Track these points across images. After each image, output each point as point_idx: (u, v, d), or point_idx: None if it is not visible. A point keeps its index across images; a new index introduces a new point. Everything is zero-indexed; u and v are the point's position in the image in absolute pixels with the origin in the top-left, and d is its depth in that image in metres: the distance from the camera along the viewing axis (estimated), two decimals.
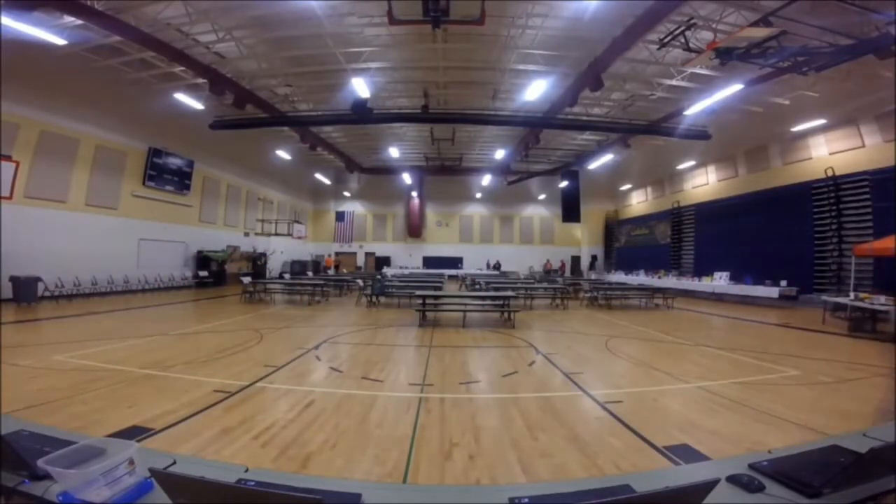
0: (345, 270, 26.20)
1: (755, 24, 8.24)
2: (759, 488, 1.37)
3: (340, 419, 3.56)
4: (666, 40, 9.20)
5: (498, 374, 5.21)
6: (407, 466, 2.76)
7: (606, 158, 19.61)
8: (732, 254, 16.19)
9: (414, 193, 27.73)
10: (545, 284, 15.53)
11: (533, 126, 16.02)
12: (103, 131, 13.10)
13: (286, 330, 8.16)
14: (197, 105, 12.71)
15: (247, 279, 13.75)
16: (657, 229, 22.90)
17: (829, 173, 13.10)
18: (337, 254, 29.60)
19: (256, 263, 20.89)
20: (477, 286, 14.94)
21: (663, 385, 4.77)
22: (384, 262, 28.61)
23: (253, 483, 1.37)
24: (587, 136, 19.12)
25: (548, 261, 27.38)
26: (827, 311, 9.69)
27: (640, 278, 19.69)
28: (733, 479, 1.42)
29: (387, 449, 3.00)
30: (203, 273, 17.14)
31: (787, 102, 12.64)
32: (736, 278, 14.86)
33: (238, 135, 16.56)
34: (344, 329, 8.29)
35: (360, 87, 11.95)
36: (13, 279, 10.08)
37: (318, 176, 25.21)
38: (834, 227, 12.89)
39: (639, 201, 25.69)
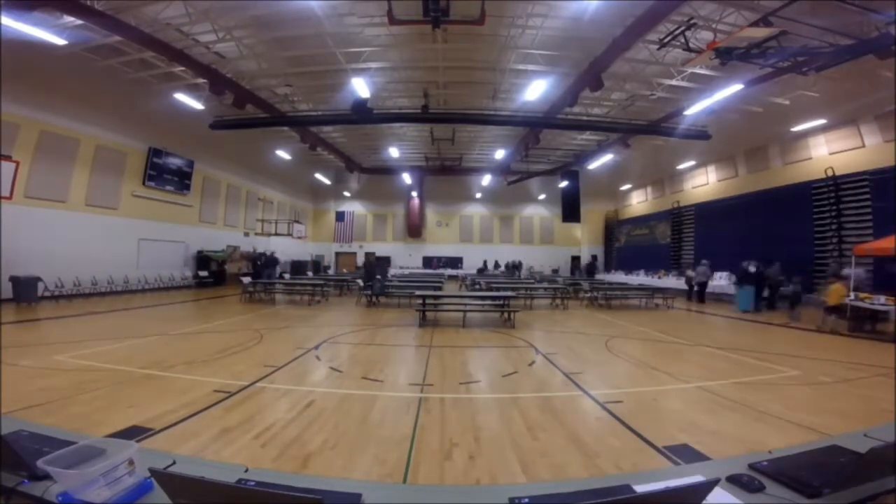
0: (345, 270, 26.19)
1: (755, 24, 8.25)
2: (759, 488, 1.37)
3: (340, 419, 3.56)
4: (666, 40, 9.20)
5: (498, 374, 5.21)
6: (407, 466, 2.76)
7: (606, 158, 19.60)
8: (732, 254, 16.16)
9: (414, 193, 27.71)
10: (545, 284, 15.53)
11: (533, 126, 16.01)
12: (103, 131, 13.10)
13: (286, 330, 8.16)
14: (197, 105, 12.71)
15: (247, 279, 13.75)
16: (657, 229, 22.89)
17: (829, 173, 13.09)
18: (337, 254, 29.60)
19: (256, 264, 20.88)
20: (477, 286, 14.94)
21: (663, 385, 4.77)
22: (384, 262, 28.60)
23: (253, 483, 1.37)
24: (587, 136, 19.10)
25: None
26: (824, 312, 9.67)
27: (640, 278, 19.68)
28: (733, 479, 1.42)
29: (387, 449, 3.00)
30: (203, 273, 17.14)
31: (787, 102, 12.63)
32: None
33: (238, 135, 16.54)
34: (344, 329, 8.29)
35: (360, 87, 11.94)
36: (13, 279, 10.08)
37: (318, 176, 25.20)
38: (834, 227, 12.88)
39: (639, 201, 25.68)
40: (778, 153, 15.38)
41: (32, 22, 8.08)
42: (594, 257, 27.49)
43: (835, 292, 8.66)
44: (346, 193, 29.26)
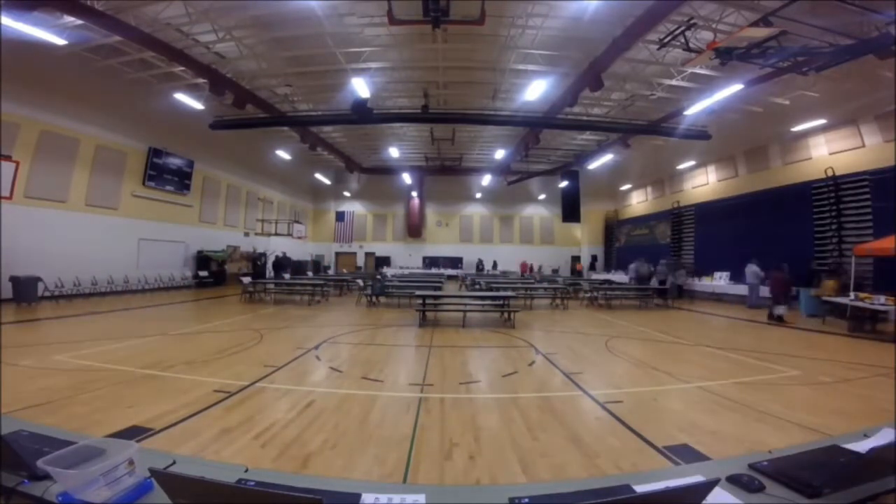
0: (345, 270, 26.21)
1: (755, 24, 8.24)
2: (759, 488, 1.37)
3: (340, 419, 3.56)
4: (666, 40, 9.19)
5: (498, 374, 5.21)
6: (407, 466, 2.76)
7: (606, 158, 19.60)
8: (732, 254, 16.16)
9: (414, 193, 27.70)
10: (545, 284, 15.53)
11: (533, 126, 16.01)
12: (103, 131, 13.09)
13: (286, 330, 8.16)
14: (197, 105, 12.71)
15: (247, 279, 13.75)
16: (657, 229, 22.86)
17: (829, 173, 13.08)
18: (337, 254, 29.58)
19: (257, 264, 20.88)
20: (477, 286, 14.93)
21: (663, 385, 4.77)
22: (384, 262, 28.62)
23: (253, 483, 1.37)
24: (587, 136, 19.10)
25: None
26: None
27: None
28: (733, 479, 1.41)
29: (387, 449, 3.00)
30: (203, 273, 17.14)
31: (787, 102, 12.62)
32: (736, 278, 14.84)
33: (238, 135, 16.55)
34: (344, 329, 8.28)
35: (360, 87, 11.94)
36: (13, 279, 10.08)
37: (318, 176, 25.20)
38: (834, 227, 12.88)
39: (639, 201, 25.66)
40: (778, 153, 15.36)
41: (32, 22, 8.08)
42: (594, 257, 27.43)
43: (829, 287, 10.17)
44: (346, 193, 29.25)
